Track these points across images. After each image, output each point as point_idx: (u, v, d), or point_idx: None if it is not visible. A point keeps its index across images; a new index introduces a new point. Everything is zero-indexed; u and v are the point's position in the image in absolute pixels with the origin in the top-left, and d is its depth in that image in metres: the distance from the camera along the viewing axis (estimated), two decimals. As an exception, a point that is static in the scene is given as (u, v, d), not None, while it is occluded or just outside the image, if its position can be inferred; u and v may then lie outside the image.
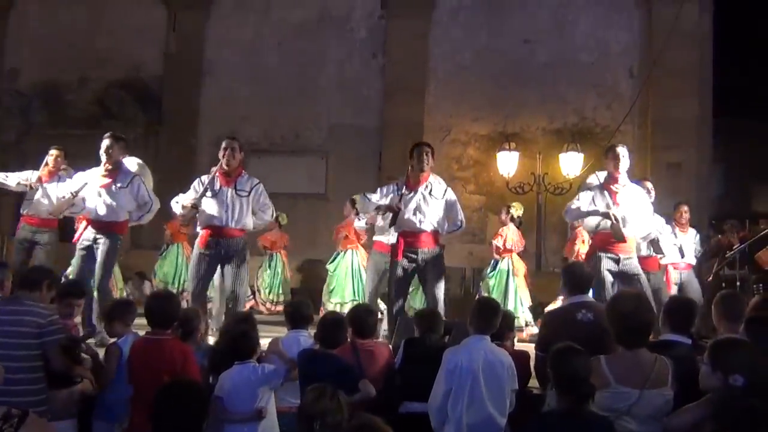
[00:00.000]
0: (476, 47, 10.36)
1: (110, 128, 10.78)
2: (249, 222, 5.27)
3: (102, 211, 5.52)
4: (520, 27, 10.25)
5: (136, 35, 11.11)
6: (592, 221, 5.23)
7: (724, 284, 7.43)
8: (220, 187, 5.19)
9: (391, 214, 5.19)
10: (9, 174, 6.33)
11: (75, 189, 5.60)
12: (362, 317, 3.96)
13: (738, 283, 7.37)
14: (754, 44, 10.66)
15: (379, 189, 5.43)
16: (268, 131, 10.84)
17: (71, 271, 5.84)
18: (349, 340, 3.84)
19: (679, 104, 9.47)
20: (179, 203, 5.36)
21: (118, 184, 5.55)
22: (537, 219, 9.50)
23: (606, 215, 5.08)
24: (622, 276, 5.08)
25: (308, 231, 9.34)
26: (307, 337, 4.00)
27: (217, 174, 5.24)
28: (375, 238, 6.48)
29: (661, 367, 2.83)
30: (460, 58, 10.40)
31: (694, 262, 7.00)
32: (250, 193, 5.21)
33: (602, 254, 5.08)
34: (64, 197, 5.68)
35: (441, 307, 5.07)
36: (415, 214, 5.12)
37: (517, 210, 7.43)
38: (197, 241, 5.31)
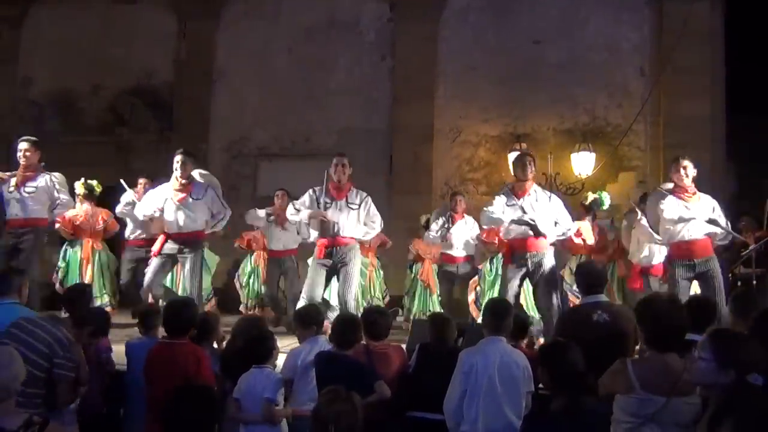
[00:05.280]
0: (485, 48, 10.34)
1: (123, 135, 11.08)
2: (359, 232, 5.70)
3: (182, 223, 5.80)
4: (529, 27, 10.22)
5: (147, 43, 11.19)
6: (674, 228, 5.29)
7: (739, 283, 7.36)
8: (333, 199, 5.60)
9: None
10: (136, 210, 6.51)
11: (159, 206, 5.89)
12: (375, 319, 3.95)
13: (754, 282, 7.28)
14: (767, 40, 10.54)
15: (496, 198, 5.48)
16: (278, 136, 10.87)
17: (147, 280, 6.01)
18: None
19: (692, 102, 9.39)
20: (300, 212, 5.72)
21: (194, 197, 5.85)
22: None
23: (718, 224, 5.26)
24: (700, 278, 5.24)
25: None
26: (325, 342, 3.96)
27: (329, 188, 5.64)
28: (443, 251, 7.18)
29: (697, 374, 2.66)
30: (469, 59, 10.38)
31: None
32: (360, 205, 5.65)
33: (678, 261, 5.23)
34: (154, 214, 5.95)
35: (554, 310, 5.14)
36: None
37: None
38: (315, 252, 5.70)
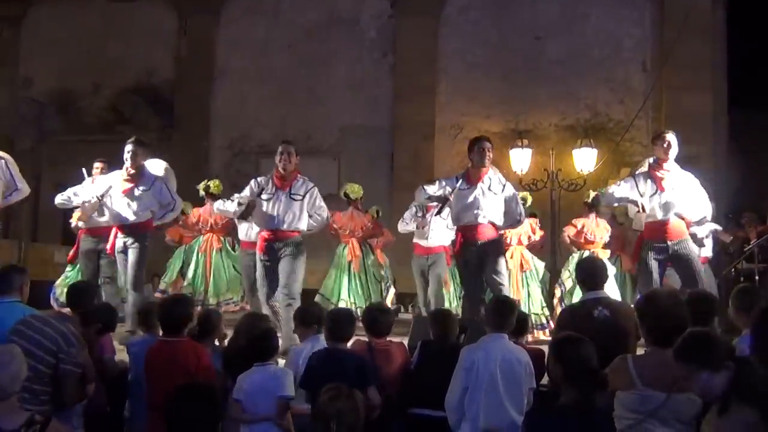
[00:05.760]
0: (487, 44, 10.33)
1: (124, 133, 11.05)
2: (303, 224, 5.36)
3: (126, 215, 5.63)
4: (530, 23, 10.21)
5: (147, 40, 11.20)
6: (640, 217, 5.17)
7: (742, 278, 7.36)
8: (276, 190, 5.28)
9: (440, 204, 5.28)
10: (68, 194, 6.35)
11: (100, 193, 5.69)
12: (377, 317, 3.94)
13: (757, 277, 7.29)
14: (768, 35, 10.51)
15: (437, 181, 5.42)
16: (279, 133, 10.85)
17: (108, 279, 5.86)
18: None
19: (694, 97, 9.38)
20: (234, 201, 5.44)
21: (141, 188, 5.65)
22: (551, 215, 9.44)
23: (634, 202, 5.04)
24: (673, 259, 5.06)
25: (321, 231, 9.33)
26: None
27: (273, 177, 5.33)
28: (414, 240, 6.82)
29: (698, 389, 2.65)
30: (470, 56, 10.37)
31: (710, 255, 6.91)
32: (304, 196, 5.32)
33: (649, 242, 5.06)
34: (90, 201, 5.76)
35: (504, 292, 5.05)
36: (472, 208, 5.11)
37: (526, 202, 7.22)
38: (257, 247, 5.40)
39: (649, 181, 5.12)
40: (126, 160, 5.64)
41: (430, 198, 5.34)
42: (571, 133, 9.90)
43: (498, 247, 5.19)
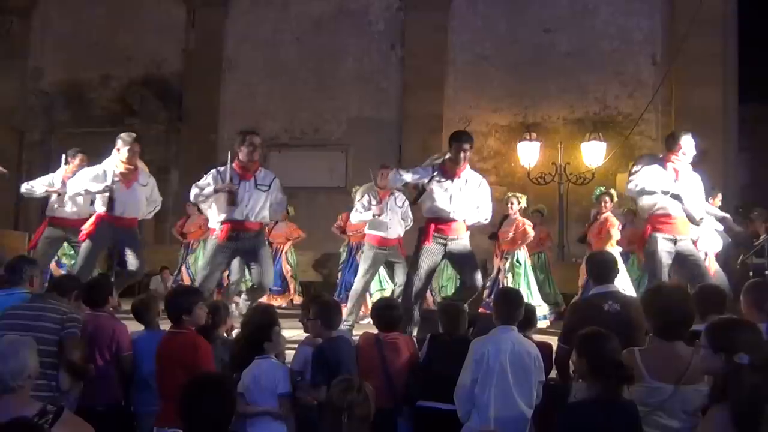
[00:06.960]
0: (496, 37, 10.28)
1: (132, 126, 11.10)
2: (267, 215, 5.28)
3: (127, 208, 5.68)
4: (539, 16, 10.15)
5: (156, 33, 11.21)
6: (648, 201, 5.07)
7: (751, 273, 7.32)
8: (240, 180, 5.12)
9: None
10: (33, 183, 6.46)
11: (102, 187, 5.66)
12: (385, 311, 3.95)
13: (766, 272, 7.24)
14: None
15: (413, 169, 5.31)
16: (288, 126, 10.89)
17: (75, 264, 5.81)
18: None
19: (704, 91, 9.30)
20: (205, 188, 5.17)
21: (141, 183, 5.79)
22: (559, 209, 9.43)
23: (677, 197, 4.94)
24: (677, 257, 4.99)
25: (329, 225, 9.31)
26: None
27: (234, 167, 5.12)
28: (368, 231, 6.41)
29: (698, 362, 2.70)
30: (479, 49, 10.33)
31: (719, 250, 6.89)
32: (270, 186, 5.22)
33: (659, 235, 4.98)
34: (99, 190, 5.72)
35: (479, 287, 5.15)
36: (448, 203, 5.10)
37: (520, 201, 7.22)
38: (216, 234, 5.18)
39: (668, 169, 5.06)
40: (128, 155, 5.66)
41: (407, 185, 5.33)
42: (580, 127, 9.86)
43: (472, 257, 5.20)
